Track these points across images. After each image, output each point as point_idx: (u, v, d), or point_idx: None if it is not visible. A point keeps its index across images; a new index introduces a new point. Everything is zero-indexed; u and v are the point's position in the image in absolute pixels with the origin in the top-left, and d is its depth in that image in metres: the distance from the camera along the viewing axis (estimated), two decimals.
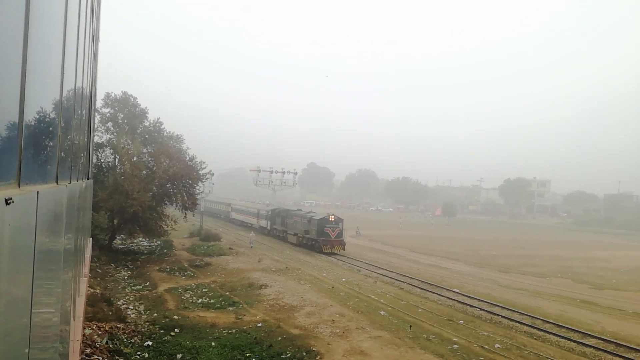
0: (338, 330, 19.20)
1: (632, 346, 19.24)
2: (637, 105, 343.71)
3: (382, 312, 22.84)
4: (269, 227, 56.58)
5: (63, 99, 4.18)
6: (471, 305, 25.37)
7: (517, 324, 22.10)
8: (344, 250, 42.40)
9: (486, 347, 18.42)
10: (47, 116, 3.34)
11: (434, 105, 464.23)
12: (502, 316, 23.37)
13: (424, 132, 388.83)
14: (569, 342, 19.73)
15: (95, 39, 13.59)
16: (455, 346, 18.21)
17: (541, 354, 17.94)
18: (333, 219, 42.96)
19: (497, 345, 18.65)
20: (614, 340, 19.92)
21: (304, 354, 16.51)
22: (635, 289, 33.17)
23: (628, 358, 17.89)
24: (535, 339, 20.17)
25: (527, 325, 22.01)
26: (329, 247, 41.62)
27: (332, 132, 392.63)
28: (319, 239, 42.01)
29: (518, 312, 24.29)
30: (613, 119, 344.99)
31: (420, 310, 24.01)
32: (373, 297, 26.23)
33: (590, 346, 19.16)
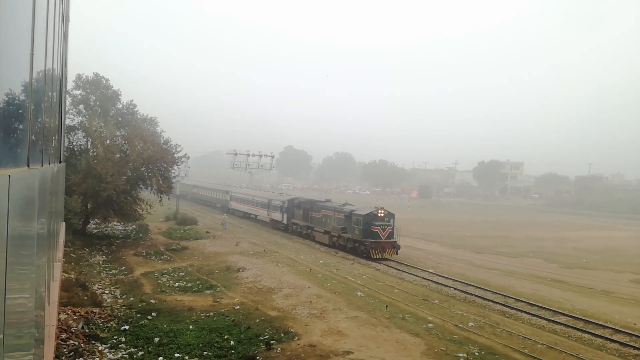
0: (315, 312, 19.40)
1: (600, 323, 19.92)
2: (608, 93, 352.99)
3: (358, 293, 23.12)
4: (285, 222, 46.24)
5: (33, 80, 4.08)
6: (446, 285, 25.86)
7: (490, 303, 22.64)
8: (397, 254, 33.28)
9: (460, 325, 18.85)
10: (17, 98, 3.26)
11: (411, 90, 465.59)
12: (475, 295, 23.90)
13: (401, 118, 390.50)
14: (540, 319, 20.33)
15: (65, 18, 13.23)
16: (430, 325, 18.60)
17: (513, 331, 18.44)
18: (383, 214, 33.56)
19: (470, 324, 19.09)
20: (583, 318, 20.58)
21: (282, 335, 16.67)
22: (604, 268, 34.24)
23: (596, 334, 18.52)
24: (508, 317, 20.71)
25: (500, 304, 22.56)
26: (379, 251, 32.67)
27: (311, 116, 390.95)
28: (365, 240, 32.97)
29: (491, 291, 24.87)
30: (586, 105, 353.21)
31: (396, 290, 24.38)
32: (350, 278, 26.50)
33: (561, 323, 19.78)
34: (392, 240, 33.37)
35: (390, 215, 33.85)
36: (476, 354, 15.81)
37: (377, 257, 32.43)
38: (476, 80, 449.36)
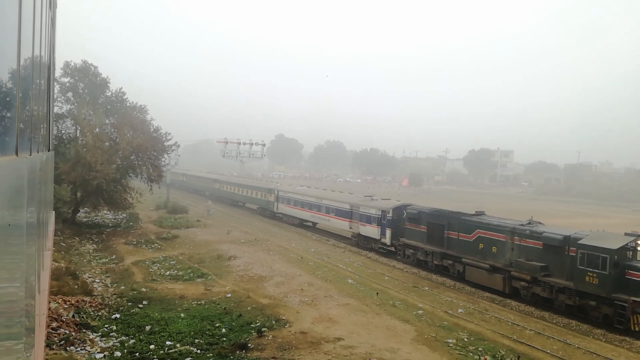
0: (307, 299, 19.51)
1: None
2: (595, 81, 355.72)
3: (349, 281, 23.27)
4: (387, 241, 30.73)
5: (20, 68, 4.03)
6: (435, 272, 26.03)
7: (479, 290, 22.86)
8: None
9: (450, 312, 19.06)
10: (4, 86, 3.23)
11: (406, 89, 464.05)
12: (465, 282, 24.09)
13: (393, 109, 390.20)
14: (528, 306, 20.56)
15: (52, 4, 13.02)
16: (420, 312, 18.78)
17: (502, 317, 18.68)
18: None
19: (460, 310, 19.31)
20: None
21: (274, 322, 16.77)
22: None
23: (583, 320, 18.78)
24: (497, 303, 20.96)
25: (489, 290, 22.77)
26: None
27: (302, 105, 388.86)
28: (618, 297, 17.40)
29: None
30: (573, 93, 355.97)
31: (386, 277, 24.55)
32: (341, 266, 26.64)
33: (549, 310, 20.03)
34: None
35: None
36: (465, 339, 16.02)
37: (638, 329, 17.35)
38: (471, 82, 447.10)
